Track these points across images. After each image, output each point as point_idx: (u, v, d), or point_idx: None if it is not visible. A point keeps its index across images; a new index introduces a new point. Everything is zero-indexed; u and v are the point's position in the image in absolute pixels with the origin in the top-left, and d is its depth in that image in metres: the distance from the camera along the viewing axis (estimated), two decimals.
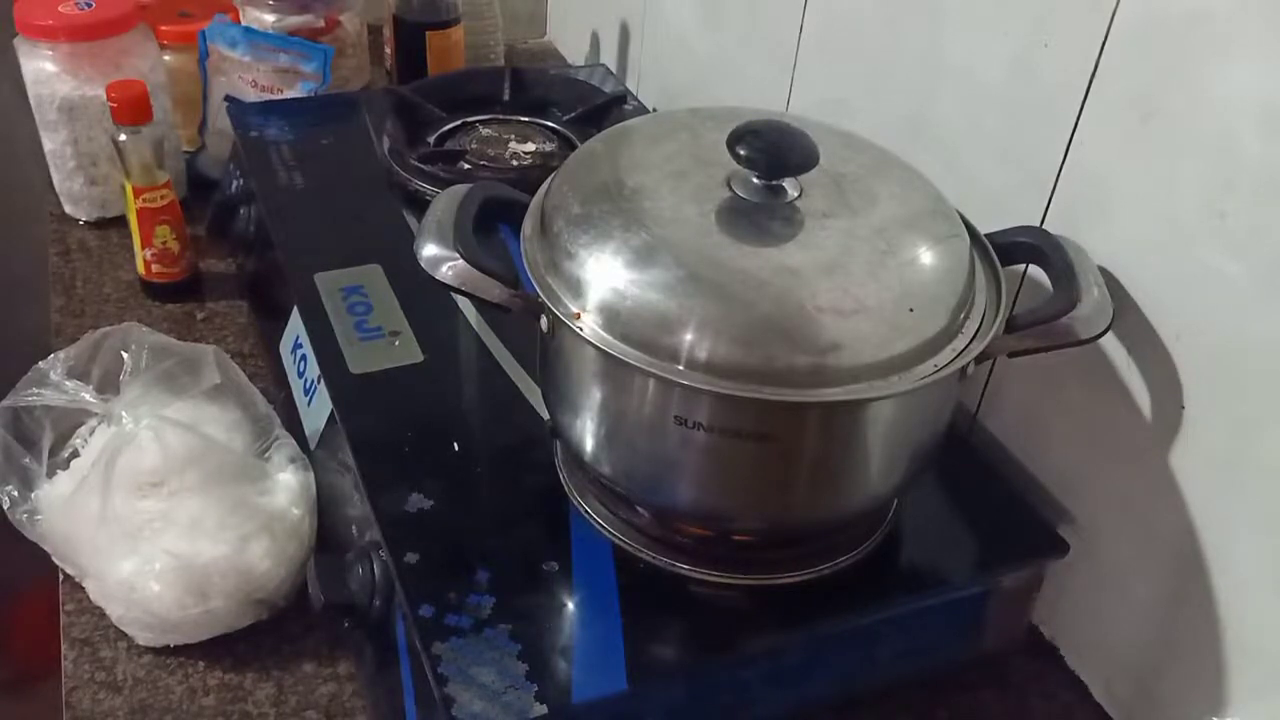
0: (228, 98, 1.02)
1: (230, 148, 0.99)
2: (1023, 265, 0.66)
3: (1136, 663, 0.64)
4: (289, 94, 1.03)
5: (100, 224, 1.03)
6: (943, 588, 0.63)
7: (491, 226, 0.60)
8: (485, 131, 0.98)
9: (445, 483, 0.63)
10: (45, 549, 0.68)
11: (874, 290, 0.52)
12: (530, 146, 0.96)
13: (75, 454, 0.70)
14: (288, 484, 0.69)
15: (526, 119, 1.00)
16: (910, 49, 0.74)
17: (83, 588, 0.67)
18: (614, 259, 0.53)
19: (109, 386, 0.69)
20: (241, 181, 0.94)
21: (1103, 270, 0.60)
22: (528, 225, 0.59)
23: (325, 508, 0.70)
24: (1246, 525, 0.56)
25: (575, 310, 0.54)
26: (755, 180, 0.56)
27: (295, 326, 0.77)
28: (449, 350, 0.74)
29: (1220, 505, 0.57)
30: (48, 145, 0.99)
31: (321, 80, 1.03)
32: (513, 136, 0.97)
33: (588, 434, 0.58)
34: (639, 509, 0.61)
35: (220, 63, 1.03)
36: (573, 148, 0.93)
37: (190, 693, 0.64)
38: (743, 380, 0.50)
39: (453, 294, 0.57)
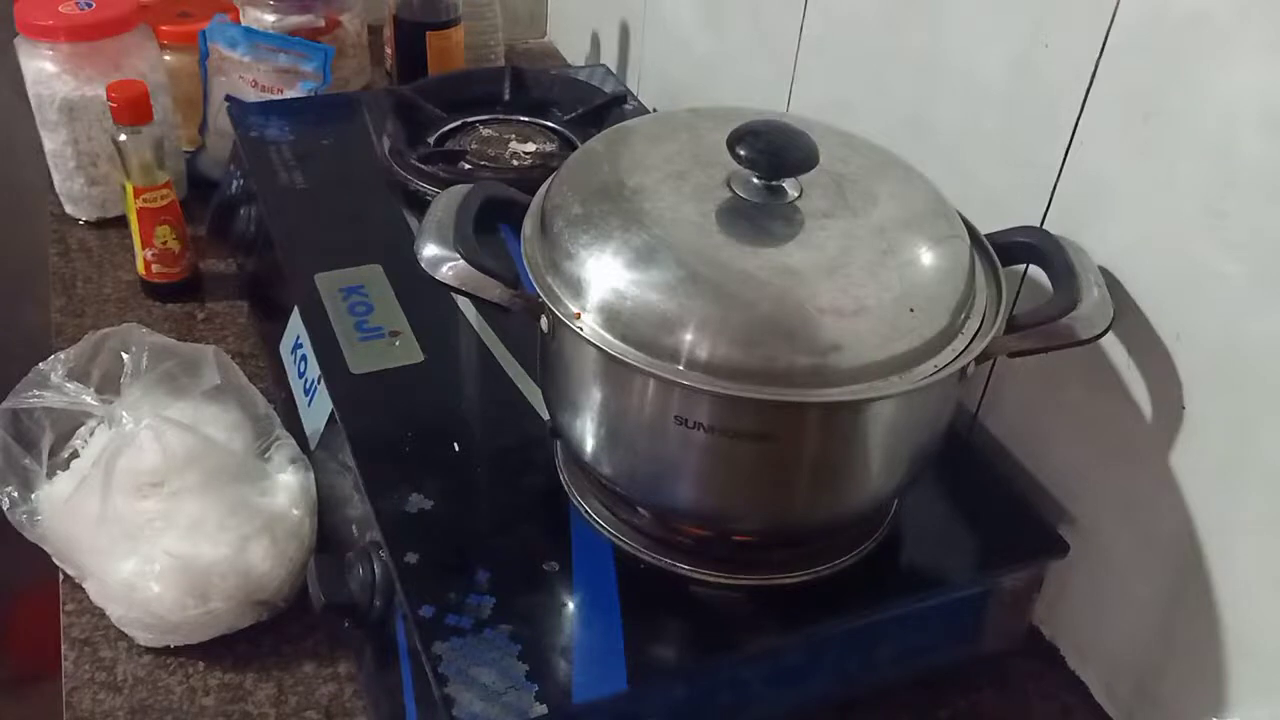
0: (228, 98, 1.02)
1: (230, 148, 0.99)
2: (1023, 265, 0.66)
3: (1136, 663, 0.64)
4: (289, 94, 1.03)
5: (100, 224, 1.03)
6: (943, 588, 0.63)
7: (491, 226, 0.60)
8: (485, 132, 0.97)
9: (445, 483, 0.63)
10: (45, 549, 0.68)
11: (874, 290, 0.52)
12: (530, 146, 0.96)
13: (75, 455, 0.70)
14: (288, 484, 0.69)
15: (527, 119, 1.00)
16: (910, 49, 0.74)
17: (83, 588, 0.67)
18: (614, 259, 0.53)
19: (109, 388, 0.69)
20: (241, 181, 0.94)
21: (1103, 270, 0.60)
22: (528, 225, 0.59)
23: (325, 508, 0.70)
24: (1246, 525, 0.56)
25: (575, 310, 0.53)
26: (755, 180, 0.56)
27: (295, 326, 0.77)
28: (449, 350, 0.74)
29: (1220, 505, 0.57)
30: (48, 145, 0.99)
31: (321, 80, 1.03)
32: (513, 136, 0.97)
33: (588, 434, 0.58)
34: (639, 509, 0.61)
35: (220, 63, 1.03)
36: (573, 148, 0.93)
37: (190, 693, 0.64)
38: (743, 380, 0.50)
39: (453, 294, 0.57)
